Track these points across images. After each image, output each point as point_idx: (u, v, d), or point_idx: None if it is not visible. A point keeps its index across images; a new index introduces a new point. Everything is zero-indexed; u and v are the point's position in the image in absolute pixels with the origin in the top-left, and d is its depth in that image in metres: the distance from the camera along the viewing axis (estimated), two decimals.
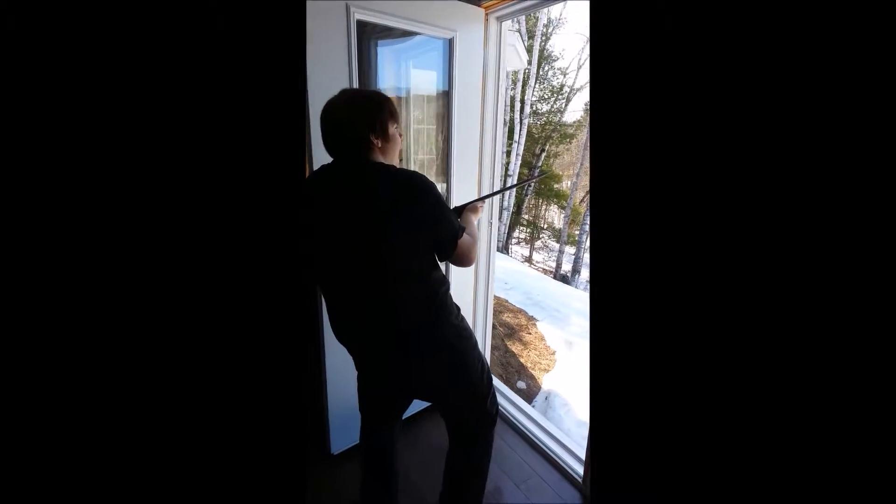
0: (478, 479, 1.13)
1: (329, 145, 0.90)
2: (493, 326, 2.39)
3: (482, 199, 1.17)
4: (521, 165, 10.04)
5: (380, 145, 0.90)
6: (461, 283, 1.75)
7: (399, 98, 1.67)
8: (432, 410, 1.59)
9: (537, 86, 10.81)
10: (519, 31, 7.64)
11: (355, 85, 1.28)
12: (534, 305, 4.92)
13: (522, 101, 9.22)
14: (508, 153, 9.12)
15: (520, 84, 9.19)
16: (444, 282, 0.94)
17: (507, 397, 1.85)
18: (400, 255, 0.85)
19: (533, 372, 3.73)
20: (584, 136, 12.18)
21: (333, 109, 0.88)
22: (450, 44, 1.46)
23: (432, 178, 0.87)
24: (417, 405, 1.59)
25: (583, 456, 1.46)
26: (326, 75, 1.19)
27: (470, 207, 1.10)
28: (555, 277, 9.53)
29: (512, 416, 1.75)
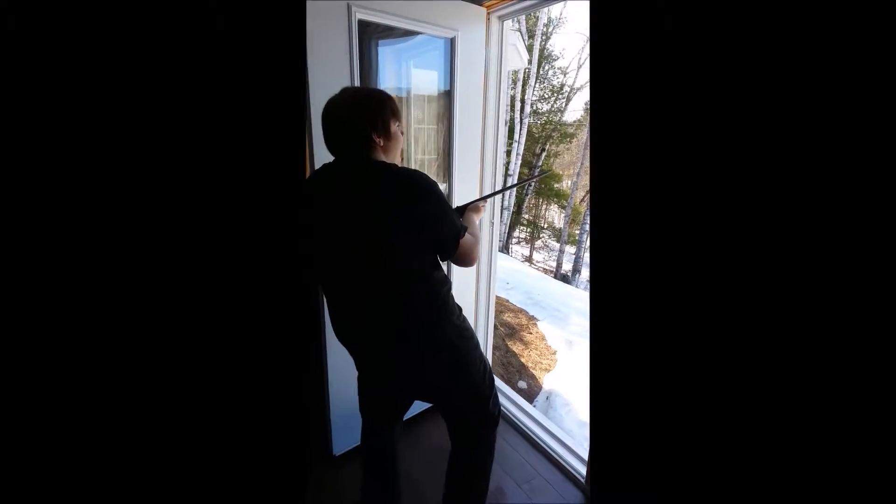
0: (480, 480, 1.13)
1: (331, 144, 0.89)
2: (494, 327, 2.39)
3: (484, 198, 1.17)
4: (522, 165, 10.04)
5: (382, 144, 0.89)
6: (463, 284, 1.75)
7: (400, 98, 1.66)
8: (434, 411, 1.59)
9: (537, 85, 10.81)
10: (519, 30, 7.63)
11: (357, 85, 1.27)
12: (534, 305, 4.92)
13: (523, 101, 9.21)
14: (509, 153, 9.11)
15: (520, 83, 9.18)
16: (445, 282, 0.93)
17: (508, 397, 1.84)
18: (401, 254, 0.85)
19: (534, 372, 3.73)
20: (584, 135, 12.18)
21: (335, 108, 0.88)
22: (451, 43, 1.46)
23: (434, 178, 0.87)
24: (419, 405, 1.59)
25: (586, 456, 1.45)
26: (328, 75, 1.19)
27: (472, 207, 1.09)
28: (555, 277, 9.53)
29: (514, 416, 1.75)
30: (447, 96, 1.56)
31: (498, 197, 1.60)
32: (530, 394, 3.46)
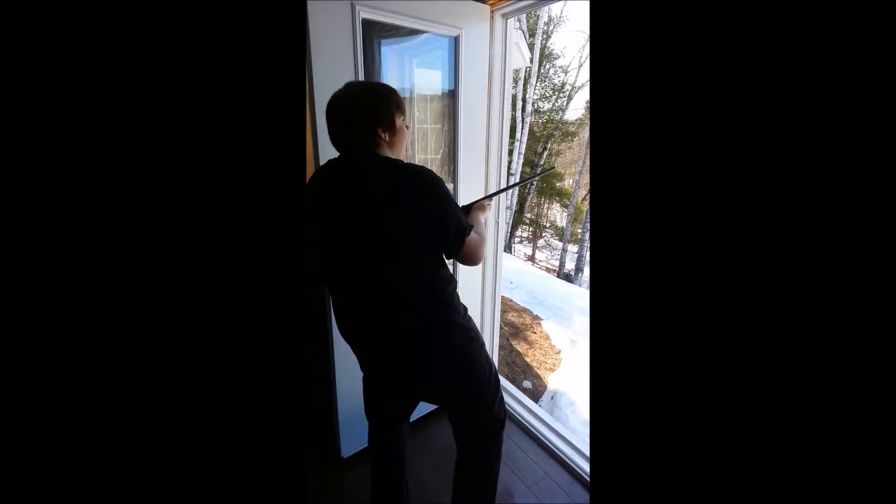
0: (488, 482, 1.11)
1: (335, 139, 0.88)
2: (500, 326, 2.38)
3: (489, 196, 1.16)
4: (524, 164, 10.03)
5: (387, 138, 0.88)
6: (468, 283, 1.74)
7: (403, 98, 1.65)
8: (441, 411, 1.58)
9: (539, 84, 10.80)
10: (520, 28, 7.62)
11: None
12: (538, 304, 4.91)
13: (524, 100, 9.20)
14: (511, 152, 9.10)
15: (521, 82, 9.17)
16: (451, 280, 0.92)
17: (514, 397, 1.83)
18: (406, 250, 0.83)
19: (538, 371, 3.72)
20: (585, 133, 12.17)
21: (338, 103, 0.87)
22: (455, 41, 1.45)
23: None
24: (425, 406, 1.58)
25: None
26: (332, 74, 1.18)
27: (477, 206, 1.08)
28: (558, 276, 9.51)
29: (520, 416, 1.74)
30: (451, 96, 1.55)
31: (501, 196, 1.59)
32: (535, 393, 3.45)
